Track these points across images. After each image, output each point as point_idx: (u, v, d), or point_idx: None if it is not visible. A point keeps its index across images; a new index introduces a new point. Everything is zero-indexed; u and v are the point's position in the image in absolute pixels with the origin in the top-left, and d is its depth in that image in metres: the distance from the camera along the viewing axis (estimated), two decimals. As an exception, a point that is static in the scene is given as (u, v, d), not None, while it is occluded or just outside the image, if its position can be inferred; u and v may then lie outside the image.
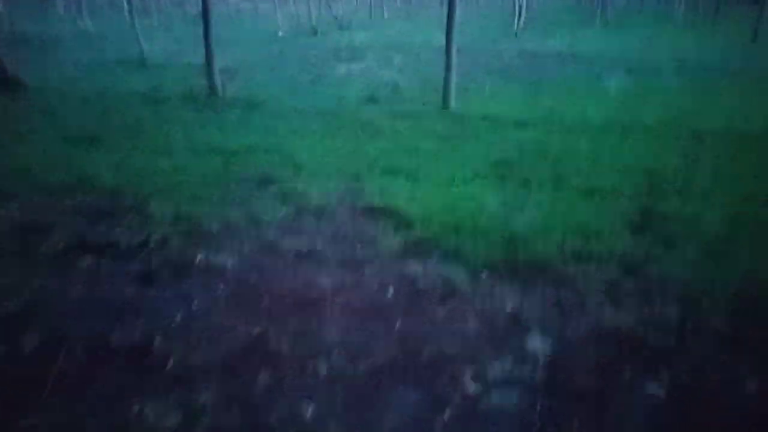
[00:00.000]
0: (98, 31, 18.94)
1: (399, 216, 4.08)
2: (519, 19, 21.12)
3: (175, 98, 8.39)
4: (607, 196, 4.50)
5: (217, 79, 8.49)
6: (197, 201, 4.36)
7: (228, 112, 7.63)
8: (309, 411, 2.13)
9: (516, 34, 20.28)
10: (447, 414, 2.11)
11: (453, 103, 7.87)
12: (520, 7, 21.49)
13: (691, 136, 6.50)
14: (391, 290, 3.05)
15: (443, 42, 8.10)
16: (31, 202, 4.33)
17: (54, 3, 29.13)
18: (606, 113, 7.70)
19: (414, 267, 3.31)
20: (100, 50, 14.44)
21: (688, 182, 4.90)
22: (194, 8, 27.79)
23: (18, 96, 8.40)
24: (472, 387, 2.27)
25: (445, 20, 8.11)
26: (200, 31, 8.75)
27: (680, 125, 7.00)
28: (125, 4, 12.82)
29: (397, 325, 2.71)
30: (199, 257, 3.42)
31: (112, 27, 20.06)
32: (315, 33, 20.64)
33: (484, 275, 3.19)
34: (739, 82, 10.51)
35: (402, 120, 7.36)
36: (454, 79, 7.89)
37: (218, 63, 11.76)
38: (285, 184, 4.89)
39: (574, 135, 6.56)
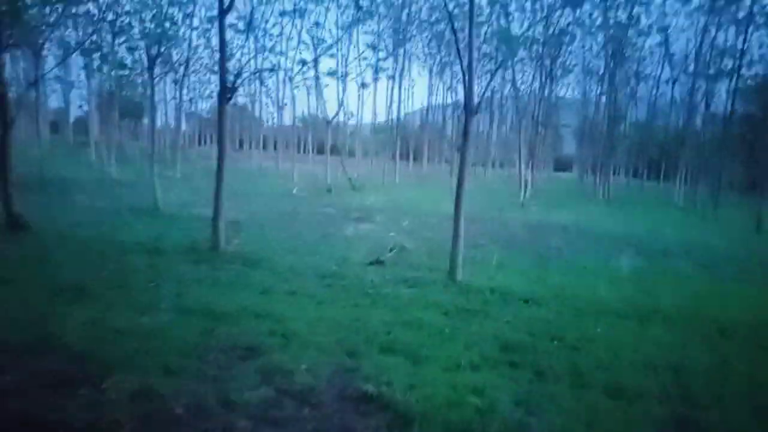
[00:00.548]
0: (123, 179, 19.75)
1: (396, 409, 3.52)
2: (525, 191, 21.96)
3: (176, 250, 8.22)
4: (634, 399, 3.93)
5: (221, 234, 8.40)
6: (168, 374, 3.84)
7: (226, 268, 7.37)
8: None
9: (522, 204, 20.89)
10: None
11: (460, 272, 7.60)
12: (526, 181, 22.46)
13: (714, 329, 6.04)
14: None
15: (451, 209, 8.09)
16: (-18, 362, 3.83)
17: (88, 150, 31.09)
18: (620, 295, 7.34)
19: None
20: (118, 197, 14.83)
21: (722, 385, 4.35)
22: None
23: (20, 239, 8.29)
24: None
25: (453, 188, 8.18)
26: (224, 184, 8.89)
27: (701, 315, 6.57)
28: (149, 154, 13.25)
29: None
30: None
31: (137, 175, 20.99)
32: (329, 191, 21.42)
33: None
34: (750, 272, 10.28)
35: (406, 287, 7.03)
36: (461, 248, 7.71)
37: (229, 216, 11.85)
38: (271, 356, 4.39)
39: (589, 318, 6.12)
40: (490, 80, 10.24)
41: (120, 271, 6.74)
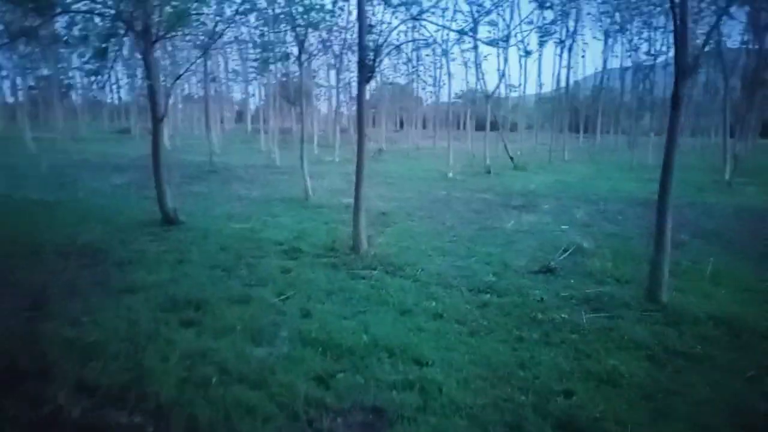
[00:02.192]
0: (284, 165, 20.21)
1: None
2: (731, 166, 17.85)
3: (315, 251, 7.42)
4: None
5: (362, 233, 7.41)
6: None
7: (364, 276, 6.33)
8: None
9: (729, 183, 17.02)
10: None
11: (665, 292, 5.60)
12: (734, 154, 18.28)
13: None
14: None
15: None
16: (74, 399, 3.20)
17: (259, 137, 33.12)
18: None
19: None
20: (274, 185, 14.92)
21: None
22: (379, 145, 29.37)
23: (165, 236, 8.20)
24: None
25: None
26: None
27: None
28: (301, 144, 12.90)
29: None
30: None
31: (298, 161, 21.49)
32: (488, 173, 19.71)
33: None
34: None
35: (589, 311, 5.31)
36: (668, 254, 5.64)
37: (377, 206, 11.03)
38: (401, 428, 3.18)
39: None
40: (711, 30, 7.66)
41: (249, 280, 6.06)
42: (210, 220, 9.49)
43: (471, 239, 8.58)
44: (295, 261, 6.98)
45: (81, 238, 7.73)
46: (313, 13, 11.77)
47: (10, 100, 41.61)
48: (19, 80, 35.60)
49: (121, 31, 7.90)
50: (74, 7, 7.98)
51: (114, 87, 49.78)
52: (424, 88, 47.97)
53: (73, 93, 47.20)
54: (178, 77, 11.74)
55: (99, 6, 7.85)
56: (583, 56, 39.04)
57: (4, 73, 35.70)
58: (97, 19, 8.51)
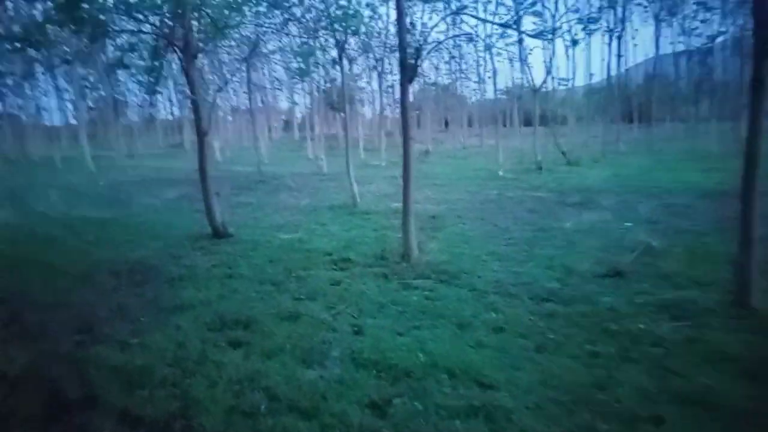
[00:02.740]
0: (332, 171, 20.14)
1: None
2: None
3: (365, 261, 7.15)
4: None
5: (413, 240, 7.08)
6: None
7: (417, 286, 6.00)
8: None
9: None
10: None
11: (755, 296, 4.99)
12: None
13: None
14: None
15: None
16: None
17: (306, 144, 33.40)
18: None
19: None
20: (323, 192, 14.82)
21: None
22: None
23: (215, 250, 8.14)
24: None
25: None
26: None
27: None
28: (346, 150, 12.74)
29: None
30: None
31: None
32: (540, 170, 18.98)
33: None
34: None
35: (668, 319, 4.79)
36: (756, 251, 5.01)
37: (427, 209, 10.67)
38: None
39: None
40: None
41: (298, 294, 5.85)
42: (259, 232, 9.40)
43: (528, 242, 8.09)
44: (345, 272, 6.73)
45: (133, 255, 7.78)
46: (351, 20, 11.59)
47: (73, 121, 43.76)
48: (78, 102, 37.30)
49: (163, 48, 7.89)
50: (116, 27, 8.07)
51: (167, 103, 51.55)
52: (467, 87, 47.36)
53: (128, 111, 49.20)
54: (219, 90, 11.82)
55: (139, 24, 7.87)
56: (635, 44, 37.18)
57: (66, 96, 37.58)
58: (143, 37, 8.62)
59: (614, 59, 30.57)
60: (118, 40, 8.47)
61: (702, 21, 29.07)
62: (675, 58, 38.23)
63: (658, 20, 31.99)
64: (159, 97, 49.36)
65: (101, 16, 7.65)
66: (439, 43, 6.65)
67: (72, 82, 32.53)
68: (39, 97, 37.84)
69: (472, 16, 15.67)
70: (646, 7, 31.44)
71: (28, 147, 35.43)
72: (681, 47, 34.59)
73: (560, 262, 6.83)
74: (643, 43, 68.85)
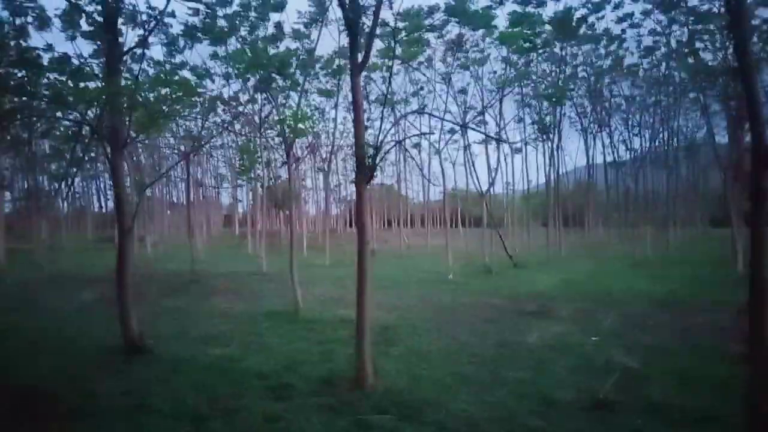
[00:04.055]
0: (272, 271, 18.96)
1: None
2: (745, 256, 16.90)
3: (308, 388, 6.02)
4: None
5: (368, 363, 6.06)
6: None
7: (372, 423, 4.94)
8: None
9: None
10: None
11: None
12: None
13: None
14: None
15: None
16: None
17: (246, 242, 32.12)
18: None
19: None
20: (261, 296, 13.63)
21: None
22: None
23: (131, 369, 6.79)
24: None
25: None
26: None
27: None
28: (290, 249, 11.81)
29: None
30: None
31: (286, 267, 20.12)
32: (489, 272, 18.60)
33: None
34: None
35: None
36: None
37: (377, 317, 9.69)
38: None
39: None
40: None
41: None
42: (183, 346, 8.09)
43: (493, 360, 7.23)
44: (285, 402, 5.56)
45: (24, 378, 6.30)
46: (300, 121, 11.25)
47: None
48: None
49: (86, 135, 7.00)
50: (36, 111, 7.16)
51: (98, 194, 49.43)
52: (411, 187, 48.35)
53: (58, 202, 46.54)
54: (148, 186, 10.95)
55: (61, 110, 7.00)
56: (566, 155, 39.65)
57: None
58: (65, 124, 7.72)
59: (548, 167, 32.10)
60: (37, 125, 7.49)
61: (623, 139, 31.42)
62: (605, 168, 40.66)
63: (586, 132, 34.34)
64: (92, 188, 47.42)
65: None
66: (399, 142, 6.14)
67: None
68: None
69: (434, 116, 15.81)
70: (575, 121, 33.88)
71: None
72: (609, 158, 36.99)
73: (534, 388, 5.97)
74: (575, 152, 74.37)
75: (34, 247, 27.61)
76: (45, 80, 8.11)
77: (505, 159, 41.86)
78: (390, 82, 8.17)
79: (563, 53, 21.56)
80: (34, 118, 7.32)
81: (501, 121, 21.31)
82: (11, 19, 8.46)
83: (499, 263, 20.61)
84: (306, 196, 45.43)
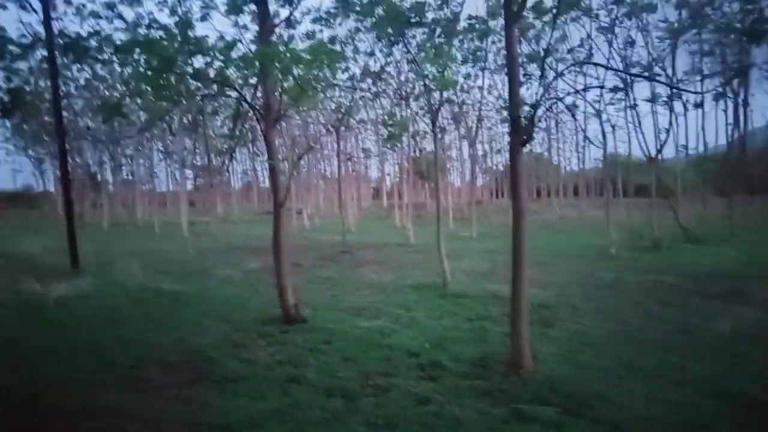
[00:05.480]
0: (419, 243, 18.98)
1: None
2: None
3: (459, 369, 5.64)
4: None
5: (525, 345, 5.50)
6: None
7: (533, 414, 4.41)
8: None
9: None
10: None
11: None
12: None
13: None
14: None
15: None
16: None
17: (393, 213, 32.70)
18: None
19: None
20: (408, 268, 13.56)
21: None
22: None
23: (287, 340, 7.00)
24: None
25: None
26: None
27: None
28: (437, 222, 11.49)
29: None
30: None
31: (435, 239, 19.86)
32: (658, 248, 16.58)
33: None
34: None
35: None
36: None
37: (531, 295, 9.06)
38: None
39: None
40: None
41: (374, 417, 4.45)
42: (335, 317, 8.20)
43: (674, 350, 6.21)
44: (435, 383, 5.26)
45: (192, 343, 6.80)
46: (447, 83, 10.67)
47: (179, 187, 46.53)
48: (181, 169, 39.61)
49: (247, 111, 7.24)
50: (200, 93, 7.60)
51: (263, 170, 53.82)
52: (562, 154, 45.32)
53: (230, 177, 51.69)
54: (299, 158, 11.21)
55: (222, 88, 7.31)
56: (751, 110, 33.80)
57: (172, 162, 40.13)
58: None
59: (731, 126, 27.67)
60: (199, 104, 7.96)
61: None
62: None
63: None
64: (257, 164, 51.81)
65: (181, 85, 7.22)
66: (560, 99, 5.40)
67: (176, 150, 34.60)
68: (151, 164, 40.68)
69: (605, 66, 14.21)
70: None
71: (136, 211, 37.71)
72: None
73: (730, 387, 4.94)
74: (759, 108, 63.20)
75: (210, 219, 30.96)
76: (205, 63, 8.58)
77: (676, 119, 37.09)
78: (554, 25, 7.16)
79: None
80: (206, 100, 7.80)
81: (674, 76, 18.53)
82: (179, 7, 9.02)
83: (670, 237, 18.29)
84: (450, 167, 44.87)
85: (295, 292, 8.07)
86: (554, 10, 7.22)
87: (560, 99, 5.80)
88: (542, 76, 6.18)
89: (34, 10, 13.56)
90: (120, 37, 10.13)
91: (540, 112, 5.76)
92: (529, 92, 16.12)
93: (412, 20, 8.27)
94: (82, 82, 28.29)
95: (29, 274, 12.14)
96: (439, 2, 9.47)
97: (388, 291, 10.41)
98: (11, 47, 14.07)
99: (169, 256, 16.75)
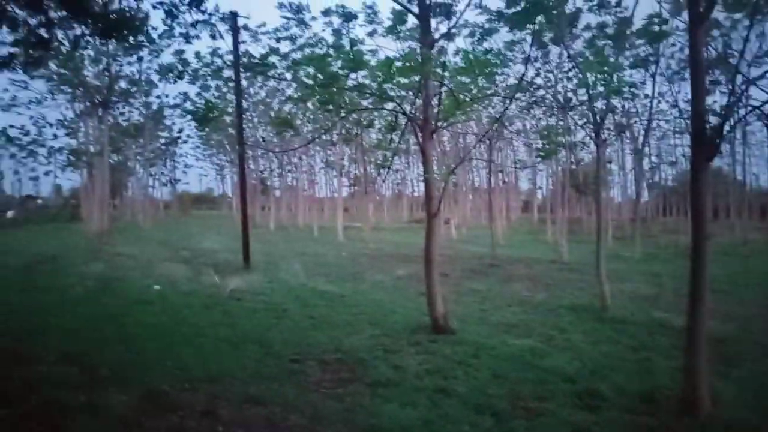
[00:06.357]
0: (574, 260, 17.91)
1: None
2: None
3: (620, 403, 5.15)
4: None
5: (703, 385, 4.86)
6: None
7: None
8: None
9: None
10: None
11: None
12: None
13: None
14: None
15: None
16: None
17: (545, 228, 31.36)
18: None
19: None
20: (562, 287, 12.86)
21: None
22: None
23: (434, 347, 7.03)
24: None
25: None
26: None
27: None
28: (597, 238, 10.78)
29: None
30: None
31: (589, 256, 18.41)
32: None
33: None
34: None
35: None
36: None
37: (708, 324, 8.06)
38: None
39: None
40: None
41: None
42: (484, 331, 8.07)
43: None
44: (594, 414, 4.89)
45: (346, 343, 7.17)
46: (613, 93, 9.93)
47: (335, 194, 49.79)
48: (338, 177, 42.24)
49: (402, 123, 7.49)
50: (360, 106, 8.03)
51: (411, 180, 55.19)
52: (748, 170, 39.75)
53: (379, 186, 53.88)
54: (452, 170, 11.13)
55: (381, 101, 7.65)
56: None
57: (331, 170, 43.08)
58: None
59: None
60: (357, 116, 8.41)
61: None
62: None
63: None
64: (408, 173, 53.29)
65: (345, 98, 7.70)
66: (757, 107, 4.56)
67: (335, 159, 37.01)
68: (312, 172, 44.11)
69: None
70: None
71: (298, 215, 41.03)
72: None
73: None
74: None
75: (361, 225, 32.50)
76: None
77: None
78: (752, 24, 6.28)
79: None
80: (364, 113, 8.27)
81: None
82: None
83: None
84: (611, 180, 41.76)
85: (444, 302, 8.11)
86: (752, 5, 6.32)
87: (757, 108, 5.00)
88: (733, 82, 5.47)
89: (222, 37, 15.51)
90: (293, 56, 11.12)
91: (730, 122, 5.07)
92: (709, 99, 14.38)
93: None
94: (258, 97, 31.72)
95: (210, 268, 13.82)
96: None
97: (540, 309, 9.98)
98: (204, 70, 16.23)
99: (326, 259, 17.91)
